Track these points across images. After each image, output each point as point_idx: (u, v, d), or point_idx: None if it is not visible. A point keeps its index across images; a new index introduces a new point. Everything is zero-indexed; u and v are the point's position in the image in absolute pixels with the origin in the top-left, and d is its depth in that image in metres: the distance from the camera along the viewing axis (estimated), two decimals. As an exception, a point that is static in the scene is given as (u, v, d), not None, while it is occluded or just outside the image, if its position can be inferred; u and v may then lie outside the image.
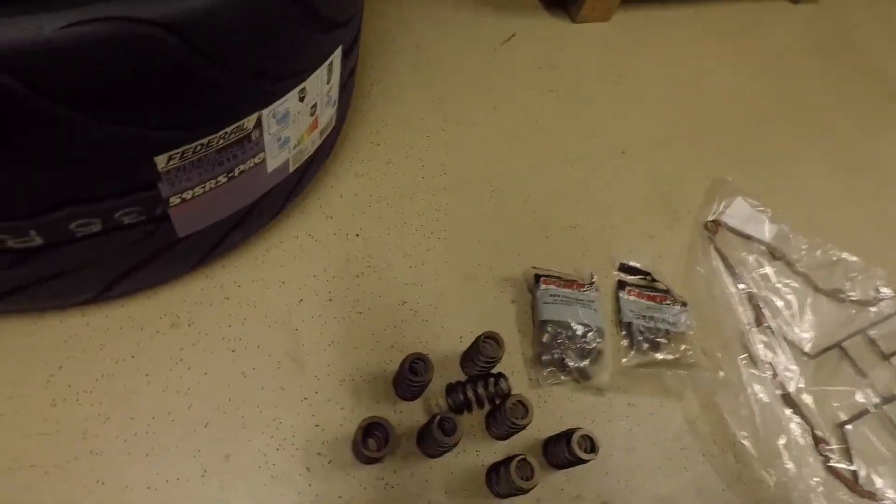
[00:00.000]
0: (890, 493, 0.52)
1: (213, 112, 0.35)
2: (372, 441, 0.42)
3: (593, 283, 0.57)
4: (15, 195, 0.31)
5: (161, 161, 0.34)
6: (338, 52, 0.43)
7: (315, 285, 0.51)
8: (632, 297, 0.57)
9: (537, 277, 0.55)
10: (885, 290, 0.66)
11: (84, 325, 0.44)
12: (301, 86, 0.40)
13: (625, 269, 0.60)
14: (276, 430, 0.43)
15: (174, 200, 0.38)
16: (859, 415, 0.56)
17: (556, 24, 0.83)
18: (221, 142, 0.36)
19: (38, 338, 0.42)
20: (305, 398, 0.45)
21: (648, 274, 0.60)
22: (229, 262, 0.50)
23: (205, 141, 0.35)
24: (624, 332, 0.55)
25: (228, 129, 0.36)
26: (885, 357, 0.61)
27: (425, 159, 0.63)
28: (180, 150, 0.34)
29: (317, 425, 0.43)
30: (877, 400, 0.57)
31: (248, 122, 0.37)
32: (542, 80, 0.75)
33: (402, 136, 0.64)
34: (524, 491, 0.40)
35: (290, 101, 0.40)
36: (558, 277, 0.55)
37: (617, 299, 0.58)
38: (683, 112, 0.77)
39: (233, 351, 0.46)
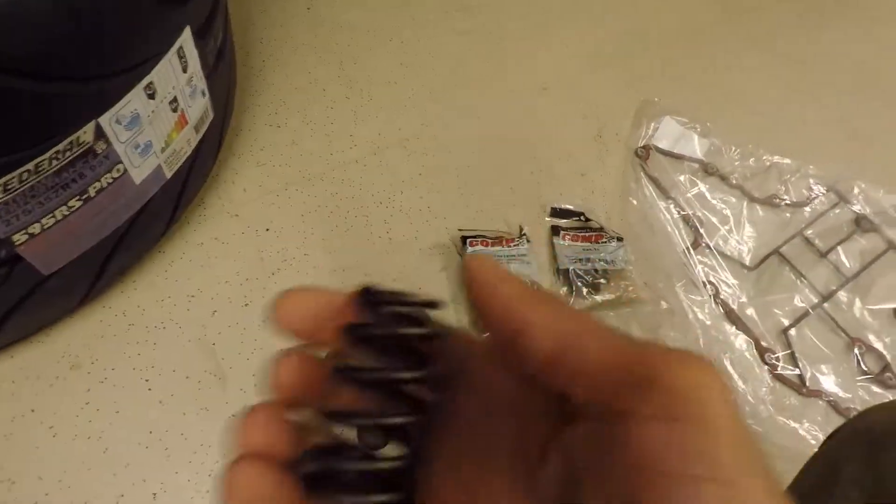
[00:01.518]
0: (832, 389, 0.53)
1: (32, 130, 0.30)
2: (310, 446, 0.40)
3: (524, 235, 0.54)
4: None
5: (-20, 200, 0.29)
6: (186, 35, 0.38)
7: (228, 292, 0.47)
8: (566, 242, 0.56)
9: (464, 239, 0.52)
10: (817, 188, 0.66)
11: (-31, 386, 0.40)
12: (144, 81, 0.35)
13: (557, 213, 0.58)
14: (205, 455, 0.40)
15: (19, 238, 0.33)
16: (800, 318, 0.57)
17: (456, -41, 0.76)
18: (55, 163, 0.32)
19: (-82, 410, 0.38)
20: (233, 415, 0.42)
21: (582, 214, 0.59)
22: (128, 285, 0.46)
23: (31, 166, 0.30)
24: (562, 281, 0.54)
25: (59, 147, 0.31)
26: (822, 254, 0.61)
27: (332, 133, 0.59)
28: (1, 181, 0.29)
29: (249, 441, 0.41)
30: (815, 300, 0.58)
31: (85, 133, 0.32)
32: (453, 25, 0.70)
33: (303, 111, 0.59)
34: None
35: (134, 101, 0.35)
36: (484, 237, 0.53)
37: (552, 246, 0.56)
38: (608, 35, 0.73)
39: (146, 380, 0.42)
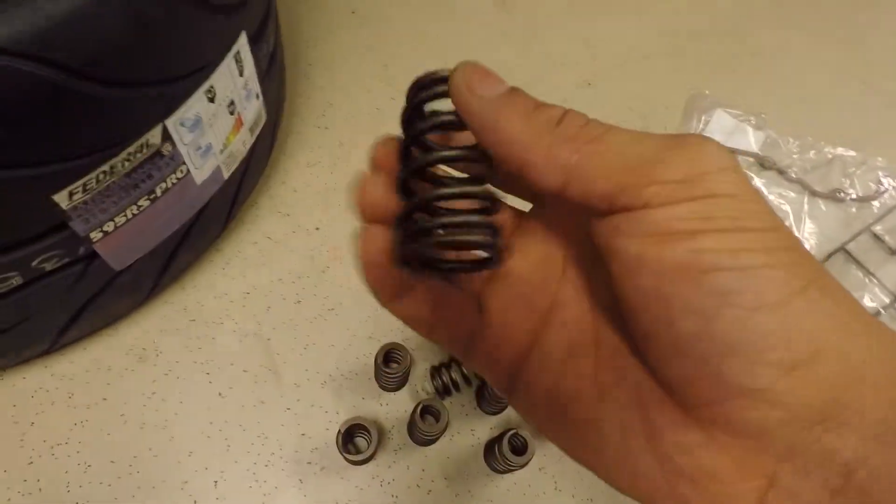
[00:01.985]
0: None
1: (106, 133, 0.32)
2: (361, 441, 0.41)
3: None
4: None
5: (62, 199, 0.31)
6: (242, 40, 0.39)
7: (281, 289, 0.49)
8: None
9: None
10: (887, 181, 0.62)
11: (48, 376, 0.42)
12: (205, 84, 0.37)
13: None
14: (261, 446, 0.41)
15: (95, 236, 0.35)
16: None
17: (498, -42, 0.76)
18: (128, 164, 0.34)
19: (3, 398, 0.41)
20: (288, 408, 0.43)
21: (631, 211, 0.57)
22: (188, 282, 0.48)
23: (106, 168, 0.32)
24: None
25: (131, 149, 0.33)
26: (893, 251, 0.57)
27: (378, 133, 0.59)
28: (80, 182, 0.31)
29: (303, 434, 0.42)
30: (887, 300, 0.54)
31: (153, 136, 0.34)
32: (493, 21, 0.70)
33: (350, 114, 0.60)
34: (519, 466, 0.38)
35: (197, 105, 0.36)
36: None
37: (600, 244, 0.55)
38: (651, 28, 0.71)
39: (207, 373, 0.44)
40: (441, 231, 0.17)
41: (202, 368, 0.44)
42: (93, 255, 0.36)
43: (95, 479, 0.39)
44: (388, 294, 0.19)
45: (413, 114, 0.18)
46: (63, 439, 0.40)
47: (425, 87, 0.17)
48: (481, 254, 0.18)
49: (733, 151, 0.63)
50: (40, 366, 0.43)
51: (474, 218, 0.17)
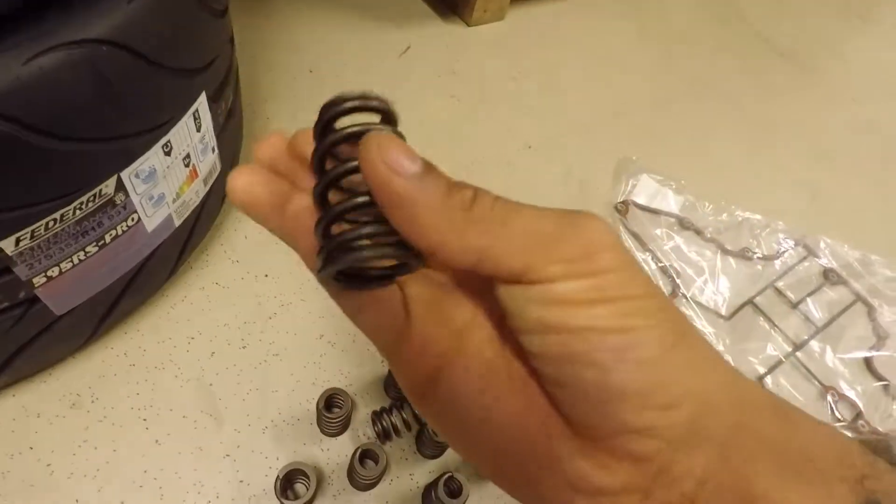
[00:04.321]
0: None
1: (60, 184, 0.33)
2: (300, 487, 0.41)
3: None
4: None
5: (8, 245, 0.32)
6: (202, 99, 0.42)
7: (227, 335, 0.49)
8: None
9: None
10: (787, 242, 0.70)
11: (-29, 423, 0.41)
12: (163, 140, 0.39)
13: (542, 263, 0.61)
14: (197, 494, 0.41)
15: (38, 280, 0.36)
16: (775, 366, 0.59)
17: (452, 29, 0.84)
18: (79, 212, 0.35)
19: (-80, 447, 0.39)
20: (227, 454, 0.43)
21: (565, 264, 0.62)
22: (131, 326, 0.48)
23: (56, 216, 0.33)
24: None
25: (83, 199, 0.34)
26: (794, 305, 0.64)
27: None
28: (29, 229, 0.32)
29: (241, 481, 0.42)
30: (788, 349, 0.60)
31: (107, 186, 0.36)
32: (443, 88, 0.76)
33: (303, 165, 0.63)
34: (455, 509, 0.40)
35: (153, 158, 0.38)
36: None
37: (537, 295, 0.59)
38: (589, 100, 0.79)
39: (144, 419, 0.44)
40: (365, 241, 0.17)
41: (139, 415, 0.44)
42: (34, 300, 0.36)
43: (15, 534, 0.38)
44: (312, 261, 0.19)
45: (325, 128, 0.18)
46: (-18, 491, 0.39)
47: (339, 113, 0.17)
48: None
49: (656, 212, 0.69)
50: (-36, 412, 0.41)
51: (390, 227, 0.17)
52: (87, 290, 0.40)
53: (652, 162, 0.72)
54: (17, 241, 0.32)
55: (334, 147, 0.18)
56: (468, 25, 0.85)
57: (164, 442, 0.43)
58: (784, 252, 0.69)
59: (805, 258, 0.69)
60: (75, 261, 0.37)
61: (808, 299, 0.65)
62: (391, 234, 0.17)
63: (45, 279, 0.36)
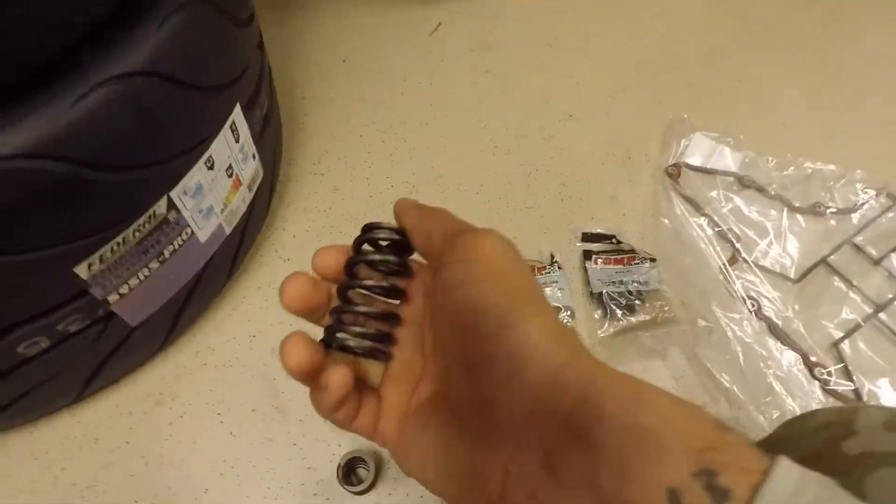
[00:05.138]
0: (894, 403, 0.51)
1: (118, 211, 0.36)
2: (362, 471, 0.44)
3: (555, 262, 0.56)
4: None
5: (82, 271, 0.35)
6: (237, 110, 0.44)
7: (285, 331, 0.51)
8: (599, 265, 0.57)
9: (498, 271, 0.55)
10: (866, 193, 0.63)
11: (75, 423, 0.46)
12: (205, 155, 0.41)
13: (588, 237, 0.60)
14: (271, 481, 0.45)
15: (112, 298, 0.39)
16: (853, 329, 0.55)
17: (482, 0, 0.81)
18: (138, 234, 0.38)
19: (37, 445, 0.45)
20: (294, 444, 0.46)
21: (613, 237, 0.60)
22: (199, 329, 0.52)
23: (119, 239, 0.36)
24: (596, 304, 0.55)
25: (140, 221, 0.37)
26: (876, 262, 0.59)
27: (371, 177, 0.63)
28: (98, 254, 0.36)
29: (309, 468, 0.45)
30: (869, 310, 0.56)
31: (159, 207, 0.38)
32: (476, 64, 0.74)
33: (344, 159, 0.65)
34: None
35: (198, 174, 0.41)
36: (516, 267, 0.55)
37: (585, 271, 0.57)
38: (631, 59, 0.74)
39: (218, 414, 0.48)
40: (356, 328, 0.24)
41: (214, 409, 0.48)
42: (110, 315, 0.40)
43: (120, 519, 0.43)
44: (335, 409, 0.24)
45: (359, 245, 0.25)
46: (92, 482, 0.44)
47: (368, 231, 0.25)
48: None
49: (713, 173, 0.65)
50: (68, 415, 0.47)
51: (370, 331, 0.24)
52: (155, 301, 0.43)
53: (705, 119, 0.68)
54: (89, 266, 0.36)
55: (360, 264, 0.25)
56: (498, -8, 0.82)
57: (238, 434, 0.47)
58: (863, 204, 0.63)
59: (889, 209, 0.62)
60: (141, 277, 0.40)
61: (893, 255, 0.59)
62: (371, 331, 0.24)
63: (117, 296, 0.39)
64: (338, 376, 0.23)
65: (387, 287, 0.25)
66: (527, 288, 0.21)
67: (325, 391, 0.23)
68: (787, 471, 0.16)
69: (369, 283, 0.24)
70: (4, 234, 0.31)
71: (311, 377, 0.24)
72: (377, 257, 0.24)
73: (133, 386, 0.48)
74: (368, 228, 0.24)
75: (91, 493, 0.44)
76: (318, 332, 0.25)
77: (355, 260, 0.24)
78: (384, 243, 0.25)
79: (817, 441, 0.27)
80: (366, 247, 0.25)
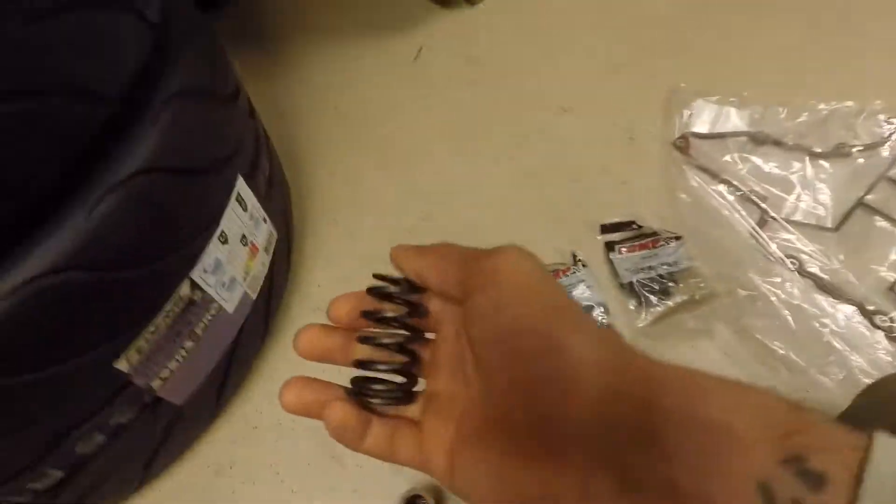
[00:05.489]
0: (969, 340, 0.47)
1: (145, 303, 0.37)
2: (423, 509, 0.44)
3: (579, 260, 0.56)
4: (21, 449, 0.35)
5: (123, 365, 0.37)
6: (239, 182, 0.45)
7: (328, 378, 0.53)
8: (623, 255, 0.56)
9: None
10: (891, 122, 0.60)
11: (145, 506, 0.48)
12: (217, 232, 0.42)
13: (607, 229, 0.59)
14: (338, 532, 0.45)
15: (156, 384, 0.41)
16: (906, 271, 0.52)
17: (457, 16, 0.81)
18: (168, 320, 0.39)
19: (115, 534, 0.47)
20: (355, 490, 0.47)
21: (633, 223, 0.59)
22: (244, 394, 0.53)
23: (152, 328, 0.38)
24: (628, 295, 0.54)
25: (168, 308, 0.39)
26: (917, 193, 0.55)
27: (382, 215, 0.64)
28: (134, 347, 0.37)
29: (372, 513, 0.45)
30: (920, 246, 0.52)
31: (183, 290, 0.40)
32: (463, 79, 0.74)
33: (353, 202, 0.66)
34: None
35: (214, 251, 0.42)
36: (539, 274, 0.54)
37: (610, 263, 0.56)
38: (616, 39, 0.73)
39: (277, 473, 0.48)
40: (378, 380, 0.25)
41: (273, 470, 0.49)
42: (157, 400, 0.42)
43: None
44: (355, 446, 0.25)
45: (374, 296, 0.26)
46: (169, 562, 0.45)
47: (373, 290, 0.26)
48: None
49: (723, 136, 0.63)
50: (137, 498, 0.49)
51: (389, 385, 0.25)
52: (196, 377, 0.45)
53: (703, 84, 0.66)
54: (128, 359, 0.37)
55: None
56: (472, 4, 0.82)
57: (299, 490, 0.47)
58: (891, 135, 0.59)
59: (919, 134, 0.59)
60: (179, 358, 0.42)
61: (933, 181, 0.56)
62: (391, 388, 0.25)
63: (160, 381, 0.41)
64: (335, 410, 0.24)
65: (400, 342, 0.25)
66: (558, 301, 0.21)
67: (328, 429, 0.24)
68: (887, 446, 0.15)
69: (386, 341, 0.25)
70: (48, 345, 0.32)
71: (312, 415, 0.25)
72: (387, 314, 0.25)
73: (192, 461, 0.50)
74: (374, 288, 0.26)
75: (172, 572, 0.45)
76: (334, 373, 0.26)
77: (368, 315, 0.26)
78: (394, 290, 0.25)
79: None
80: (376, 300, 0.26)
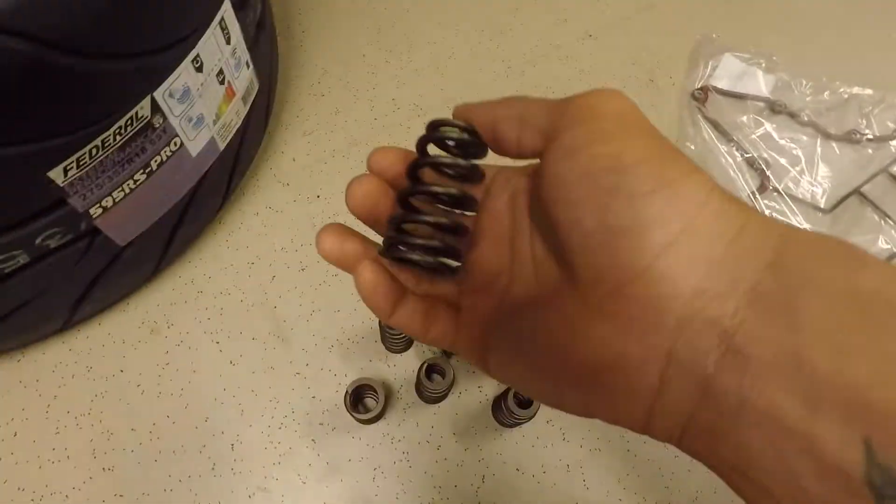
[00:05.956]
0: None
1: (93, 108, 0.32)
2: (370, 401, 0.42)
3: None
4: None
5: (57, 175, 0.32)
6: (226, 6, 0.39)
7: (285, 258, 0.49)
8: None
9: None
10: (906, 119, 0.59)
11: (67, 351, 0.44)
12: (191, 54, 0.36)
13: (608, 164, 0.56)
14: (274, 409, 0.43)
15: (95, 211, 0.36)
16: (889, 260, 0.52)
17: None
18: (119, 138, 0.34)
19: (27, 373, 0.43)
20: (298, 373, 0.44)
21: (635, 164, 0.56)
22: (194, 255, 0.49)
23: (98, 142, 0.32)
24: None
25: (121, 123, 0.33)
26: (912, 192, 0.55)
27: (374, 98, 0.59)
28: (73, 158, 0.32)
29: (314, 397, 0.43)
30: (904, 241, 0.53)
31: (142, 108, 0.34)
32: (487, -23, 0.67)
33: (345, 80, 0.60)
34: (527, 418, 0.39)
35: (184, 75, 0.36)
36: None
37: (604, 199, 0.54)
38: (651, -28, 0.68)
39: (217, 342, 0.45)
40: (419, 240, 0.21)
41: (212, 338, 0.45)
42: (95, 231, 0.37)
43: (119, 446, 0.41)
44: (385, 314, 0.23)
45: (423, 146, 0.22)
46: (86, 410, 0.42)
47: (434, 129, 0.21)
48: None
49: (743, 97, 0.60)
50: (59, 342, 0.44)
51: (435, 244, 0.21)
52: (144, 219, 0.40)
53: (736, 39, 0.62)
54: (65, 171, 0.32)
55: (425, 167, 0.22)
56: None
57: (238, 363, 0.44)
58: (902, 130, 0.59)
59: (928, 136, 0.58)
60: (126, 190, 0.37)
61: (931, 184, 0.55)
62: (436, 244, 0.21)
63: (101, 209, 0.36)
64: (366, 272, 0.22)
65: (457, 195, 0.21)
66: (671, 145, 0.18)
67: (358, 288, 0.22)
68: None
69: (437, 189, 0.21)
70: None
71: (349, 268, 0.22)
72: (447, 160, 0.21)
73: (127, 314, 0.46)
74: (434, 126, 0.21)
75: (85, 420, 0.42)
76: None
77: (421, 162, 0.21)
78: (452, 143, 0.21)
79: None
80: (431, 148, 0.22)
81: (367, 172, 0.23)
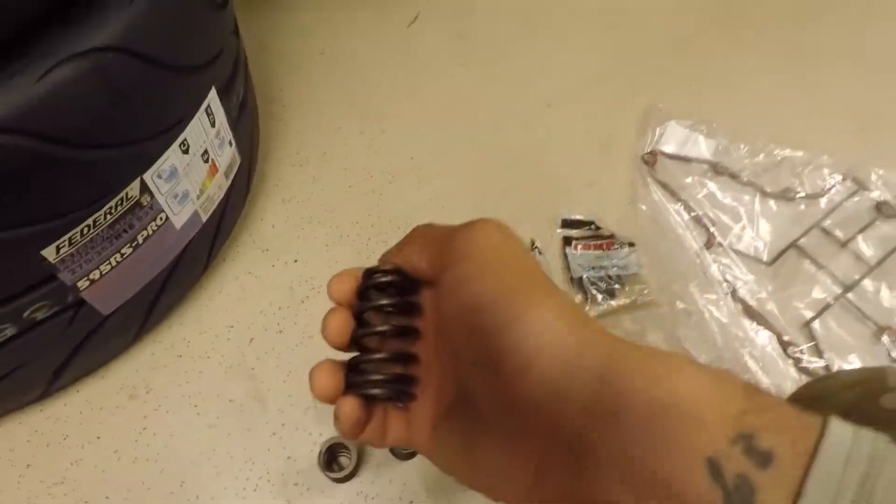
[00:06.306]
0: (865, 379, 0.52)
1: (88, 192, 0.35)
2: (344, 459, 0.43)
3: (535, 248, 0.57)
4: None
5: (50, 254, 0.34)
6: (212, 94, 0.43)
7: (263, 321, 0.51)
8: (579, 251, 0.58)
9: (479, 257, 0.55)
10: (833, 177, 0.65)
11: (44, 419, 0.45)
12: (179, 138, 0.40)
13: (568, 224, 0.60)
14: (249, 471, 0.44)
15: (82, 284, 0.38)
16: (823, 309, 0.56)
17: (458, -8, 0.81)
18: (109, 217, 0.37)
19: (1, 442, 0.43)
20: (274, 433, 0.45)
21: (592, 223, 0.60)
22: (175, 320, 0.51)
23: (90, 222, 0.35)
24: (577, 289, 0.56)
25: (112, 204, 0.36)
26: (843, 244, 0.61)
27: (349, 167, 0.63)
28: (66, 237, 0.34)
29: (289, 457, 0.44)
30: (838, 290, 0.57)
31: (132, 189, 0.37)
32: (454, 54, 0.74)
33: (322, 150, 0.64)
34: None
35: (172, 157, 0.40)
36: (497, 253, 0.55)
37: (565, 256, 0.58)
38: (607, 47, 0.75)
39: (195, 406, 0.46)
40: (374, 377, 0.25)
41: (190, 401, 0.47)
42: (81, 302, 0.39)
43: (93, 515, 0.41)
44: (355, 436, 0.25)
45: (364, 292, 0.25)
46: (59, 479, 0.42)
47: (368, 277, 0.25)
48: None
49: (688, 160, 0.66)
50: (36, 410, 0.45)
51: (388, 378, 0.25)
52: (128, 289, 0.42)
53: (679, 107, 0.69)
54: (58, 249, 0.34)
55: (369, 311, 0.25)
56: (476, -15, 0.82)
57: (215, 425, 0.45)
58: (830, 188, 0.65)
59: (854, 193, 0.64)
60: (113, 263, 0.39)
61: (859, 237, 0.61)
62: (389, 377, 0.25)
63: (88, 282, 0.38)
64: (346, 407, 0.24)
65: (397, 328, 0.25)
66: (526, 275, 0.21)
67: (338, 421, 0.24)
68: (840, 428, 0.15)
69: (380, 328, 0.24)
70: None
71: (332, 402, 0.25)
72: (383, 301, 0.24)
73: (106, 379, 0.47)
74: (368, 275, 0.25)
75: (59, 489, 0.42)
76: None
77: (362, 308, 0.25)
78: (387, 281, 0.25)
79: (847, 399, 0.27)
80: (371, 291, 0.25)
81: (334, 306, 0.26)
